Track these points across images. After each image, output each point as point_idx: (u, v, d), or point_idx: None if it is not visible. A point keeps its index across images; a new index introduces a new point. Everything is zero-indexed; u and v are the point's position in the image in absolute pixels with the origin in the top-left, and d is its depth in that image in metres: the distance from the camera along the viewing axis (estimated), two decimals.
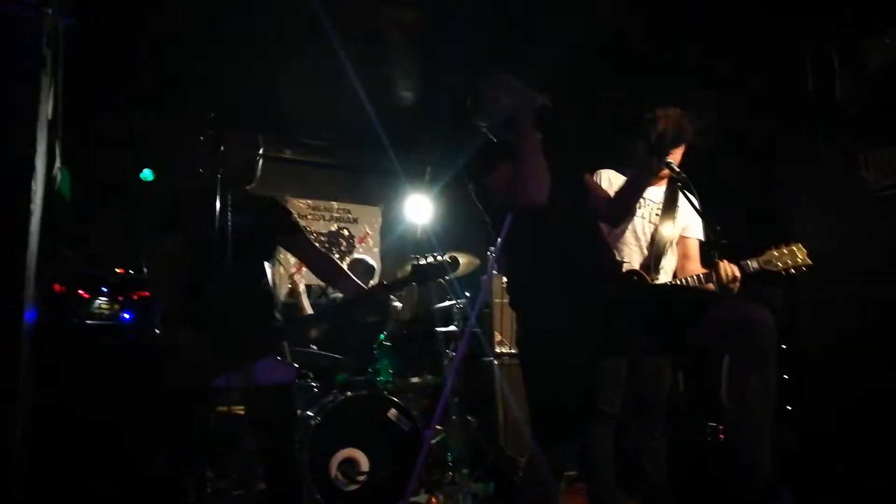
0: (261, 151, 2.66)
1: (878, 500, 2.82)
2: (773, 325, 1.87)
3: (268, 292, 2.65)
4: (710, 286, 2.66)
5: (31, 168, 1.48)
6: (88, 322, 3.25)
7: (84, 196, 3.02)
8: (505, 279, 2.37)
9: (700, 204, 2.81)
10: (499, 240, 2.22)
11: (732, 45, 3.77)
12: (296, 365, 2.64)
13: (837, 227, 3.20)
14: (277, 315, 2.67)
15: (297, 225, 2.77)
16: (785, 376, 3.26)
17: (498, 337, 4.52)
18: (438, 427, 4.35)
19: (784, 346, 3.31)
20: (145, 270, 2.76)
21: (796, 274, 2.60)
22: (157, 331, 3.15)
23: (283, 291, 5.04)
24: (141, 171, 4.71)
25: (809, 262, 2.58)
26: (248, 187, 2.65)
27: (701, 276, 2.72)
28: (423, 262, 2.56)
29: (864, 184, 3.12)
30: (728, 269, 2.51)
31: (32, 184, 1.48)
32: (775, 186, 3.52)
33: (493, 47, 4.37)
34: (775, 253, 2.61)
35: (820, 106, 3.39)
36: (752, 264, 2.61)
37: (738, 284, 2.54)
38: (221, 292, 2.32)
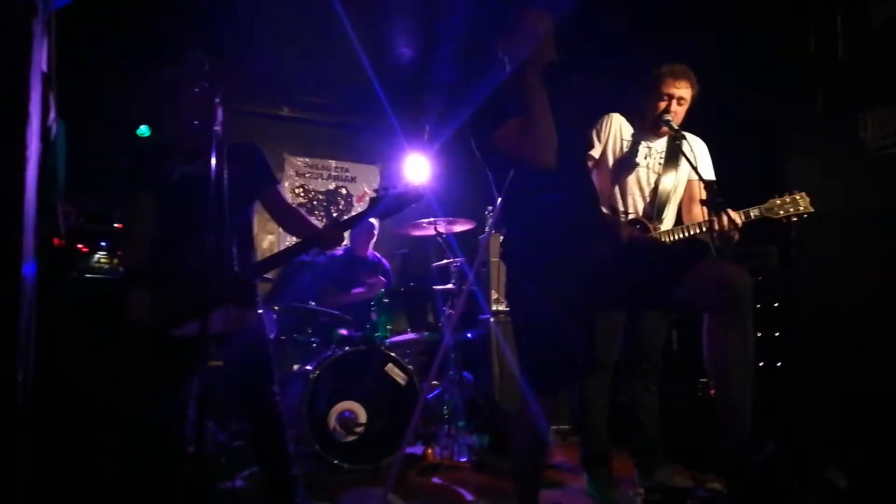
0: (216, 97, 2.41)
1: (866, 456, 2.89)
2: (749, 284, 1.91)
3: (243, 241, 2.53)
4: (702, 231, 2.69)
5: (25, 117, 1.46)
6: (88, 276, 3.29)
7: (83, 151, 3.00)
8: (502, 236, 2.35)
9: (699, 151, 2.84)
10: (499, 198, 2.22)
11: (734, 7, 3.72)
12: (259, 311, 2.52)
13: (835, 187, 3.21)
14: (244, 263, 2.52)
15: (273, 177, 2.69)
16: (776, 333, 3.33)
17: (494, 295, 4.57)
18: (435, 382, 4.43)
19: (777, 304, 3.37)
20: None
21: (797, 222, 2.62)
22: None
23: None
24: (138, 128, 4.68)
25: (811, 209, 2.60)
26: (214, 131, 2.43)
27: (703, 223, 2.73)
28: (382, 192, 2.46)
29: (862, 144, 3.12)
30: (727, 217, 2.53)
31: (27, 133, 1.47)
32: (774, 146, 3.51)
33: (491, 7, 4.32)
34: (777, 201, 2.64)
35: (821, 66, 3.37)
36: (754, 212, 2.64)
37: (737, 234, 2.57)
38: (186, 243, 2.28)
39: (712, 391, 3.38)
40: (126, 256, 2.58)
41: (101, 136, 4.34)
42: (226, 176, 2.12)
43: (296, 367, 3.94)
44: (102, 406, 2.90)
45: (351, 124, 6.03)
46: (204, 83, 2.31)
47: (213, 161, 2.08)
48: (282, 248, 5.57)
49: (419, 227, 4.28)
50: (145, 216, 2.45)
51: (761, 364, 3.32)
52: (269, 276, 5.12)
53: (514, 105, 2.03)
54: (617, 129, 2.92)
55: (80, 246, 3.28)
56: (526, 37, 2.10)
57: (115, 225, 3.43)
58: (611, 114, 2.96)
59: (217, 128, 2.21)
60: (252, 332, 2.44)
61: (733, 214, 2.55)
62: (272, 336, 2.60)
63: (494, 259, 4.62)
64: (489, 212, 4.88)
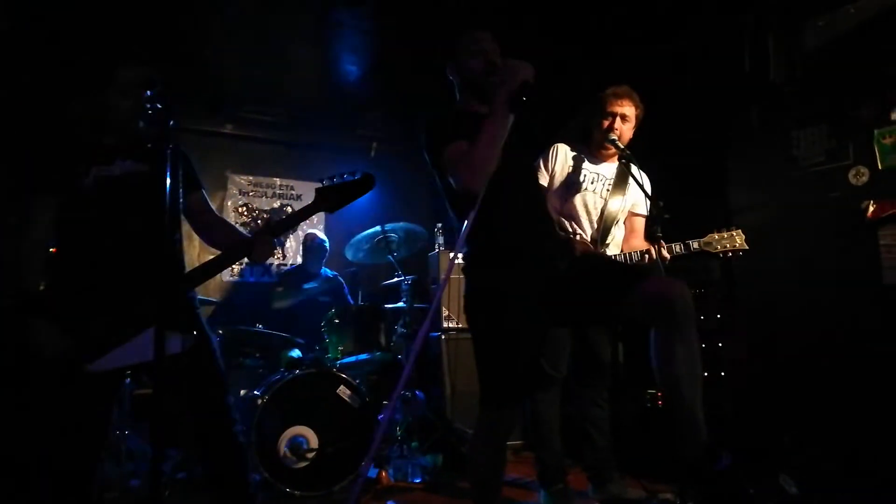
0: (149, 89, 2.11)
1: (810, 459, 3.00)
2: (689, 298, 1.96)
3: (169, 253, 2.16)
4: (647, 261, 2.80)
5: None
6: None
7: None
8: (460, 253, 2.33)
9: (643, 179, 2.94)
10: (451, 212, 2.22)
11: (672, 26, 3.87)
12: (193, 333, 2.14)
13: (770, 202, 3.35)
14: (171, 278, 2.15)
15: (198, 181, 2.39)
16: (720, 344, 3.43)
17: (445, 312, 4.56)
18: (386, 402, 4.37)
19: (719, 316, 3.48)
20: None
21: (733, 258, 2.77)
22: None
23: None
24: None
25: (746, 247, 2.76)
26: (137, 130, 2.19)
27: (640, 252, 2.84)
28: (327, 182, 2.20)
29: (795, 161, 3.27)
30: (663, 251, 2.71)
31: None
32: (714, 164, 3.65)
33: (439, 26, 4.36)
34: (716, 236, 2.79)
35: (755, 87, 3.52)
36: (694, 244, 2.78)
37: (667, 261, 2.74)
38: (104, 257, 2.04)
39: (660, 402, 3.46)
40: (19, 282, 2.08)
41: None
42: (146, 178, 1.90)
43: (242, 392, 3.82)
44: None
45: (296, 142, 5.96)
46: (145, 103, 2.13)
47: (161, 162, 1.76)
48: None
49: (371, 245, 4.25)
50: (37, 231, 2.09)
51: (706, 375, 3.42)
52: (212, 298, 5.01)
53: (469, 122, 2.01)
54: (563, 157, 2.99)
55: None
56: (464, 63, 2.16)
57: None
58: (556, 144, 3.02)
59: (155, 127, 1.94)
60: (192, 351, 2.07)
61: (664, 251, 2.72)
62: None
63: (444, 277, 4.61)
64: (438, 229, 4.89)
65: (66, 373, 1.96)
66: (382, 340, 4.01)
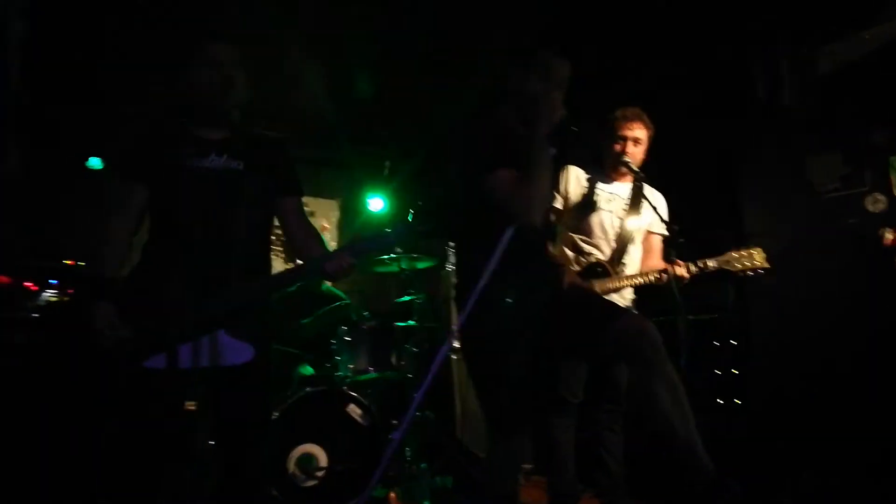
0: (234, 64, 2.14)
1: (824, 490, 2.96)
2: (654, 333, 1.95)
3: (260, 256, 2.14)
4: (664, 280, 2.76)
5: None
6: (35, 315, 3.13)
7: (37, 184, 2.86)
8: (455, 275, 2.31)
9: (657, 201, 2.93)
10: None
11: (687, 53, 3.88)
12: (255, 346, 1.99)
13: (785, 229, 3.34)
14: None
15: (298, 186, 2.31)
16: (734, 371, 3.40)
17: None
18: (395, 422, 4.35)
19: (734, 342, 3.45)
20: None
21: (752, 276, 2.70)
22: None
23: None
24: (87, 160, 4.53)
25: (767, 265, 2.70)
26: (230, 118, 2.14)
27: (657, 272, 2.80)
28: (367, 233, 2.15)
29: (810, 187, 3.26)
30: (679, 270, 2.65)
31: None
32: (728, 189, 3.64)
33: (451, 44, 4.40)
34: (734, 254, 2.73)
35: (769, 112, 3.52)
36: (711, 263, 2.72)
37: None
38: (183, 250, 1.92)
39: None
40: (96, 266, 2.02)
41: (56, 168, 4.18)
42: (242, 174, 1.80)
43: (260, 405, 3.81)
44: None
45: (310, 159, 5.98)
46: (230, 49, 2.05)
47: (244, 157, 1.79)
48: None
49: (380, 263, 4.25)
50: (127, 218, 2.05)
51: (721, 402, 3.39)
52: None
53: (507, 153, 2.02)
54: (576, 179, 2.98)
55: (27, 284, 3.12)
56: (519, 85, 2.13)
57: (66, 261, 3.29)
58: (567, 166, 3.02)
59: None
60: (248, 371, 1.94)
61: (681, 271, 2.65)
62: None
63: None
64: (450, 247, 4.89)
65: (123, 366, 1.89)
66: (393, 359, 4.00)
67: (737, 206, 3.58)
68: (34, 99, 3.10)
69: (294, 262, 2.41)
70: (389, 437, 3.65)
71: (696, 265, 2.71)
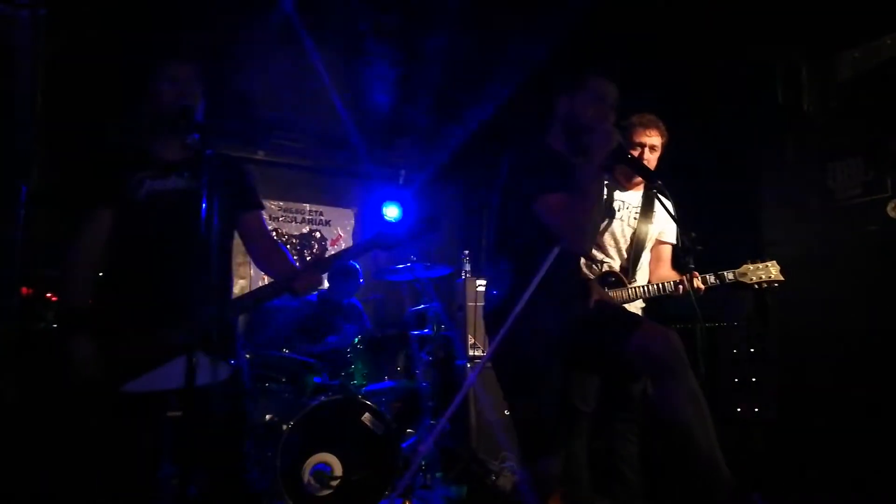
0: (196, 86, 2.09)
1: (847, 501, 2.90)
2: (678, 342, 1.93)
3: (221, 274, 2.13)
4: (680, 291, 2.74)
5: (28, 170, 1.41)
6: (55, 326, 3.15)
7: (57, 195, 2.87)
8: (489, 291, 2.31)
9: (675, 210, 2.90)
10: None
11: (705, 58, 3.85)
12: (231, 362, 2.06)
13: (805, 235, 3.29)
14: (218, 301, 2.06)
15: (259, 200, 2.32)
16: (753, 379, 3.35)
17: (471, 339, 4.53)
18: (410, 430, 4.34)
19: (752, 350, 3.40)
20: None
21: (768, 288, 2.70)
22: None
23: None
24: None
25: (781, 278, 2.70)
26: (189, 139, 2.02)
27: (672, 283, 2.79)
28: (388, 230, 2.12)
29: (831, 193, 3.21)
30: (696, 282, 2.65)
31: (25, 186, 1.41)
32: (747, 195, 3.60)
33: (470, 55, 4.42)
34: (750, 266, 2.74)
35: (789, 118, 3.48)
36: (728, 275, 2.72)
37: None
38: (148, 273, 1.97)
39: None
40: (65, 298, 2.04)
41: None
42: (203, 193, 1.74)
43: (267, 417, 3.82)
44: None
45: (326, 168, 6.03)
46: (191, 68, 2.02)
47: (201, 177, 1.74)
48: None
49: (395, 272, 4.25)
50: (91, 245, 2.03)
51: (739, 410, 3.34)
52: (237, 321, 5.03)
53: (561, 178, 2.03)
54: None
55: (48, 295, 3.15)
56: (579, 110, 2.14)
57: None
58: None
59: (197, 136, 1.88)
60: (223, 387, 1.99)
61: (697, 282, 2.66)
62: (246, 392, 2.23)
63: (471, 304, 4.60)
64: (465, 256, 4.88)
65: (102, 393, 1.90)
66: (408, 368, 4.00)
67: (755, 213, 3.53)
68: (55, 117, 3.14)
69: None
70: (416, 448, 3.64)
71: (713, 277, 2.69)
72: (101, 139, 4.34)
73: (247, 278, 5.39)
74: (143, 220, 2.01)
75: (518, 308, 1.84)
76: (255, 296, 2.14)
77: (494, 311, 2.20)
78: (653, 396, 1.96)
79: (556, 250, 1.96)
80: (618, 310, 2.71)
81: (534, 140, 2.27)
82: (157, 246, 2.00)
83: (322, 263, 2.14)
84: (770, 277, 2.70)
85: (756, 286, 2.71)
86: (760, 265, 2.72)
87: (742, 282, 2.71)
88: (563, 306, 2.10)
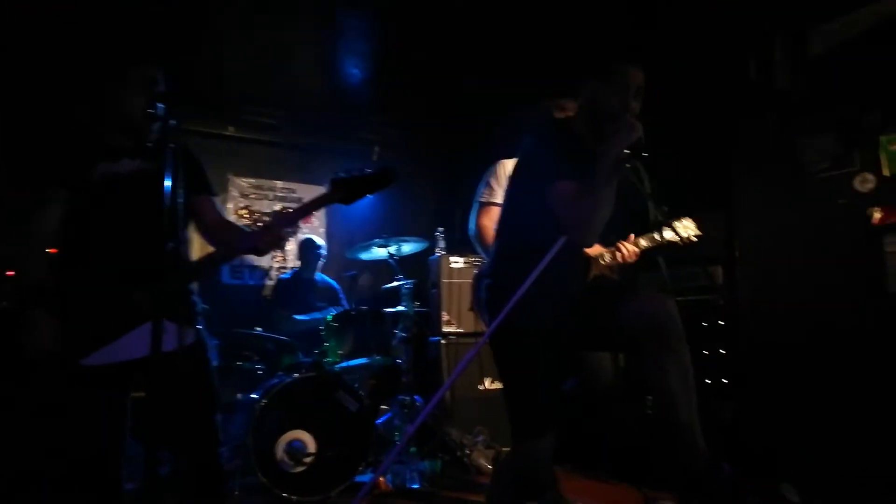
0: (157, 86, 2.10)
1: (812, 471, 2.96)
2: (675, 313, 1.95)
3: (169, 251, 2.08)
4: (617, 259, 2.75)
5: None
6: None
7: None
8: (488, 279, 2.29)
9: (648, 184, 2.90)
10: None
11: (676, 32, 3.85)
12: (198, 327, 2.14)
13: (777, 209, 3.33)
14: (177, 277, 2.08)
15: (209, 186, 2.36)
16: (722, 351, 3.40)
17: (445, 317, 4.53)
18: (384, 406, 4.35)
19: (722, 322, 3.45)
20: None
21: (685, 246, 2.68)
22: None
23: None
24: None
25: (699, 233, 2.70)
26: (145, 128, 2.16)
27: (609, 254, 2.79)
28: (343, 175, 2.08)
29: (801, 168, 3.24)
30: (629, 248, 2.66)
31: None
32: (718, 170, 3.61)
33: (443, 31, 4.36)
34: (677, 224, 2.71)
35: (760, 93, 3.50)
36: (643, 242, 2.70)
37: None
38: (102, 251, 2.04)
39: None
40: (24, 273, 2.08)
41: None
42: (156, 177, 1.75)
43: (240, 395, 3.79)
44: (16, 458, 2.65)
45: (297, 144, 5.94)
46: (155, 102, 1.96)
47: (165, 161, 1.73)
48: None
49: (368, 249, 4.23)
50: (47, 224, 2.10)
51: (708, 382, 3.39)
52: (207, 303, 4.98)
53: (573, 166, 1.99)
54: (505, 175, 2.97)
55: (7, 272, 3.07)
56: (603, 98, 2.09)
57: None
58: (501, 161, 3.05)
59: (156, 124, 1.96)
60: (190, 352, 2.05)
61: (630, 247, 2.66)
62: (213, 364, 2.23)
63: (445, 281, 4.59)
64: (440, 232, 4.87)
65: (62, 367, 1.93)
66: (382, 344, 3.99)
67: (726, 187, 3.55)
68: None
69: None
70: (403, 429, 3.63)
71: (644, 240, 2.69)
72: (64, 121, 4.23)
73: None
74: (97, 202, 2.09)
75: (520, 292, 1.81)
76: (213, 257, 2.12)
77: (496, 291, 2.19)
78: (644, 359, 1.96)
79: (561, 240, 1.91)
80: (614, 281, 2.73)
81: (556, 122, 2.23)
82: (113, 224, 2.07)
83: (285, 218, 2.11)
84: (690, 235, 2.69)
85: (681, 244, 2.70)
86: (679, 224, 2.71)
87: (672, 241, 2.71)
88: (563, 288, 2.09)
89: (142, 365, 1.92)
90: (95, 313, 1.96)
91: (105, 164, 2.12)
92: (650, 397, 3.51)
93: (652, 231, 2.71)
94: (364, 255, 4.34)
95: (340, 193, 2.07)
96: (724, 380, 3.38)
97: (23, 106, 4.21)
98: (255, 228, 2.10)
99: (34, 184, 2.16)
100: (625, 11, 3.86)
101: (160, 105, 1.86)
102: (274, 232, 2.04)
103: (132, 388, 2.01)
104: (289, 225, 2.10)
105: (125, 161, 2.15)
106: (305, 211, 2.13)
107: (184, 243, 2.21)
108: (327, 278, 4.94)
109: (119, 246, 2.05)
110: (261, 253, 2.08)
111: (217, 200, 2.40)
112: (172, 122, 1.87)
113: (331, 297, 4.77)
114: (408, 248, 4.29)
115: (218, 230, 2.30)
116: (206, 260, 2.11)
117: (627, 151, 1.94)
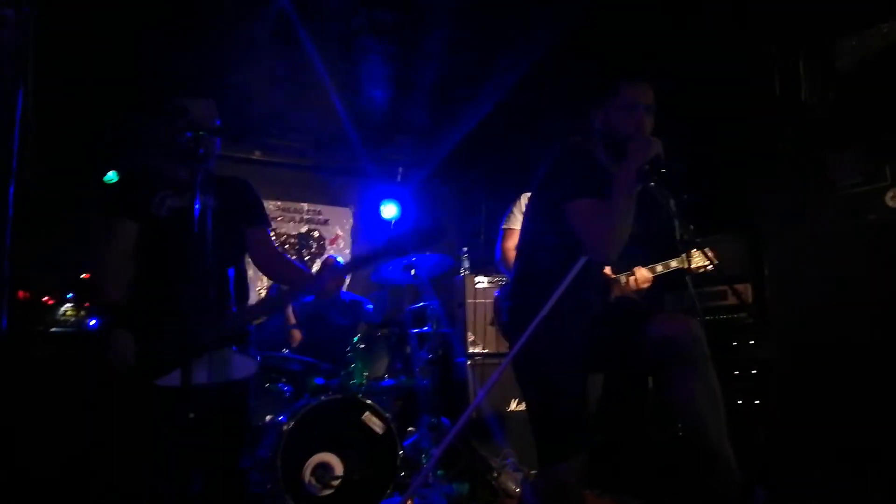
0: (214, 123, 2.31)
1: (847, 492, 2.88)
2: (698, 331, 1.91)
3: (236, 281, 2.34)
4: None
5: (11, 171, 1.42)
6: (53, 330, 3.16)
7: (52, 198, 2.90)
8: (509, 301, 2.30)
9: (674, 202, 2.89)
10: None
11: (701, 48, 3.83)
12: (257, 359, 2.33)
13: (805, 225, 3.27)
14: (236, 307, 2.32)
15: (264, 217, 2.51)
16: (753, 371, 3.34)
17: (471, 337, 4.52)
18: (411, 428, 4.33)
19: (752, 342, 3.39)
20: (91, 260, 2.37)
21: (703, 273, 2.78)
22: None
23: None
24: (105, 174, 4.58)
25: (713, 261, 2.70)
26: (206, 164, 2.25)
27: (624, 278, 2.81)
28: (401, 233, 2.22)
29: (830, 184, 3.19)
30: (642, 274, 2.75)
31: (11, 187, 1.42)
32: (744, 187, 3.57)
33: (467, 51, 4.40)
34: (692, 254, 2.78)
35: (787, 109, 3.46)
36: (672, 263, 2.72)
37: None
38: (174, 282, 2.12)
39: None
40: (102, 299, 2.23)
41: (72, 182, 4.23)
42: (213, 210, 1.94)
43: (268, 418, 3.82)
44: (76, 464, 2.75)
45: (323, 167, 6.02)
46: (187, 133, 2.13)
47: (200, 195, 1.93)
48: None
49: (393, 269, 4.24)
50: (122, 252, 2.22)
51: (739, 403, 3.32)
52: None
53: (593, 184, 2.00)
54: None
55: (45, 298, 3.15)
56: (614, 117, 2.11)
57: (83, 275, 3.32)
58: (525, 193, 3.08)
59: (205, 161, 2.08)
60: (239, 388, 2.19)
61: (641, 274, 2.78)
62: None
63: (470, 301, 4.58)
64: (464, 253, 4.87)
65: (138, 385, 2.05)
66: (408, 366, 3.99)
67: (754, 204, 3.51)
68: (49, 112, 3.15)
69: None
70: (428, 450, 3.64)
71: (660, 266, 2.71)
72: (96, 141, 4.35)
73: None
74: (166, 233, 2.21)
75: (543, 313, 1.81)
76: (273, 300, 2.46)
77: (517, 314, 2.18)
78: (670, 382, 1.93)
79: (582, 260, 1.92)
80: (637, 302, 2.72)
81: (577, 145, 2.24)
82: (176, 256, 2.14)
83: (347, 266, 2.29)
84: (700, 264, 2.73)
85: (695, 271, 2.71)
86: (693, 255, 2.75)
87: (683, 268, 2.71)
88: (585, 310, 2.08)
89: (200, 391, 2.00)
90: (167, 339, 2.08)
91: (173, 198, 2.25)
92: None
93: (679, 251, 2.71)
94: (388, 276, 4.35)
95: (397, 252, 2.21)
96: (755, 401, 3.31)
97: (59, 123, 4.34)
98: (317, 271, 2.25)
99: (107, 214, 2.26)
100: (649, 28, 3.86)
101: (217, 139, 2.07)
102: (340, 278, 2.21)
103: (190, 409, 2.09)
104: (347, 272, 2.27)
105: (188, 194, 2.20)
106: (367, 261, 2.31)
107: (242, 274, 2.36)
108: (352, 294, 4.96)
109: (184, 277, 2.10)
110: (326, 296, 2.23)
111: (269, 230, 2.52)
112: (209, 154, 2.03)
113: (356, 313, 4.78)
114: (432, 268, 4.30)
115: (273, 264, 2.44)
116: (268, 301, 2.42)
117: (647, 167, 1.93)
